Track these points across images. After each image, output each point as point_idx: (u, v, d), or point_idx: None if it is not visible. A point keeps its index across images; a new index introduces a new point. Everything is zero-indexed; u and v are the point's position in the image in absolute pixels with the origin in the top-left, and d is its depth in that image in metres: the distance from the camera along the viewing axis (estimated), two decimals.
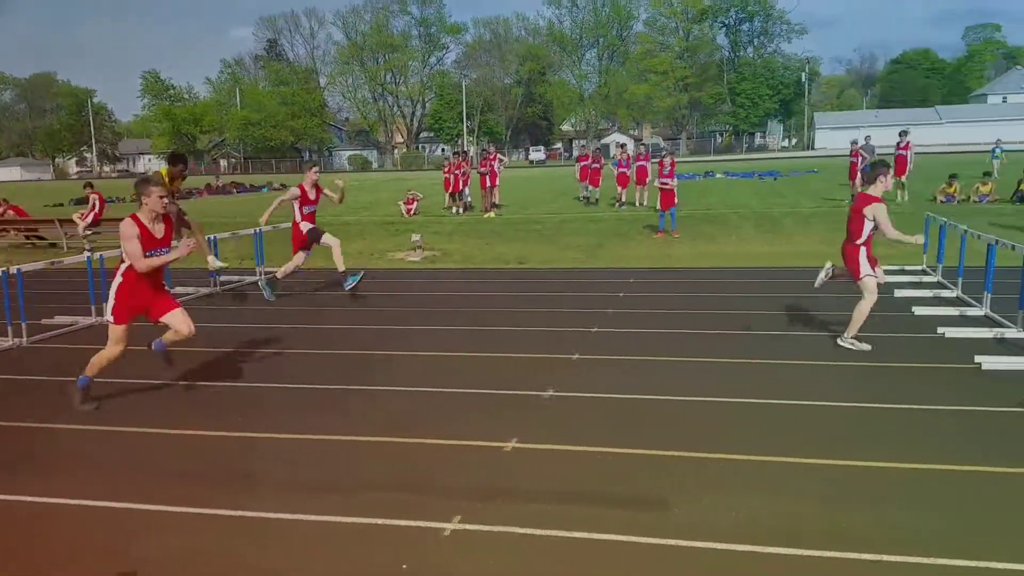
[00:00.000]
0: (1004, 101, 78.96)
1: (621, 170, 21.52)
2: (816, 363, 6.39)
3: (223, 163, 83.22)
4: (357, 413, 5.51)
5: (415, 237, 13.93)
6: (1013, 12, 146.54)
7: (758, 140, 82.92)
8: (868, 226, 6.59)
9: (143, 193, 5.42)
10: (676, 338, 7.41)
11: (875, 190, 6.65)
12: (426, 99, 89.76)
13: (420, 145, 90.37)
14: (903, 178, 19.60)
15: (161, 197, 5.43)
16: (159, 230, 5.50)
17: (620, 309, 8.72)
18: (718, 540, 3.57)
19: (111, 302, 5.48)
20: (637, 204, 21.55)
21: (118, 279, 5.50)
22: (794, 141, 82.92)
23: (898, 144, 19.99)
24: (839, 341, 6.78)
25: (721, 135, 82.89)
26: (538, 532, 3.69)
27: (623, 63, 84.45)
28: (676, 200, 15.07)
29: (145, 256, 5.36)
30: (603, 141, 68.74)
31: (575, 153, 76.17)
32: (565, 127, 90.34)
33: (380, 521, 3.83)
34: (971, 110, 77.77)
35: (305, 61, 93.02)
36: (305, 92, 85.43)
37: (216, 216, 22.49)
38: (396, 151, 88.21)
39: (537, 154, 77.72)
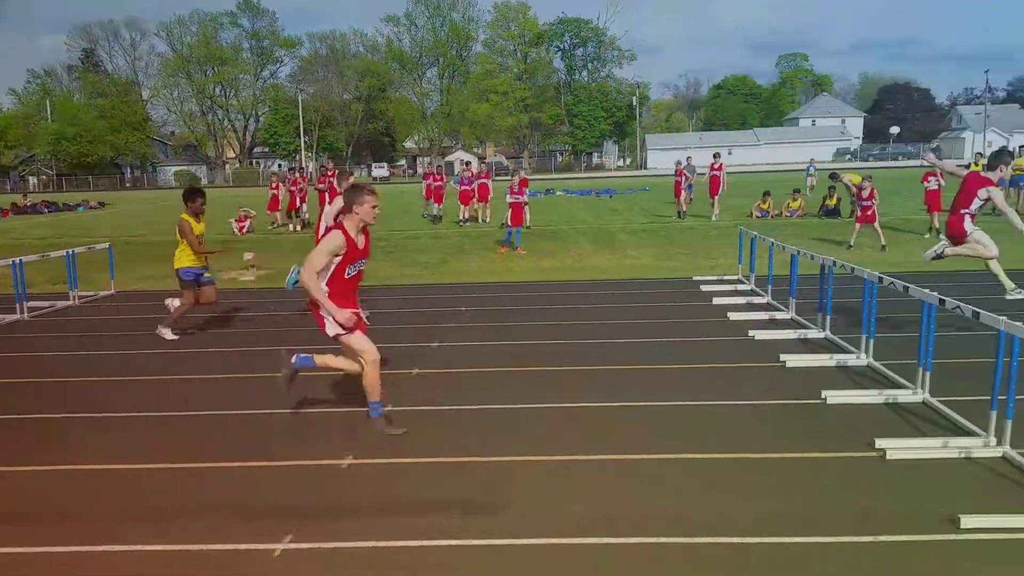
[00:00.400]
0: (813, 124, 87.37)
1: (464, 187, 21.76)
2: (639, 367, 6.77)
3: (32, 180, 75.76)
4: (186, 437, 5.23)
5: (248, 256, 13.41)
6: (819, 43, 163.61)
7: (595, 159, 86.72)
8: (976, 203, 7.73)
9: (355, 202, 5.03)
10: (514, 350, 7.60)
11: (994, 175, 7.77)
12: (260, 113, 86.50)
13: (254, 160, 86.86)
14: (716, 197, 21.19)
15: (374, 207, 5.10)
16: (361, 241, 5.10)
17: (462, 324, 8.83)
18: (549, 536, 3.72)
19: (333, 317, 4.93)
20: (480, 220, 21.89)
21: (324, 290, 4.94)
22: (628, 161, 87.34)
23: (712, 165, 21.56)
24: (1007, 296, 7.87)
25: (561, 154, 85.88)
26: (374, 544, 3.69)
27: (464, 82, 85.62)
28: (527, 218, 15.40)
29: (347, 268, 4.99)
30: (447, 159, 69.19)
31: (420, 171, 76.46)
32: (408, 144, 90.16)
33: (206, 547, 3.68)
34: (785, 132, 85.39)
35: (126, 72, 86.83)
36: (126, 105, 79.46)
37: (23, 237, 20.50)
38: (228, 166, 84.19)
39: (380, 171, 76.83)
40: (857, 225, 14.62)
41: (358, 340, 5.05)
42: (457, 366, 6.99)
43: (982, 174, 7.91)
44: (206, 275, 8.44)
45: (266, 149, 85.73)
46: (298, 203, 21.78)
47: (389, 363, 7.00)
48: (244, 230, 21.11)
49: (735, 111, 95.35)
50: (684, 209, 22.04)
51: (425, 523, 3.89)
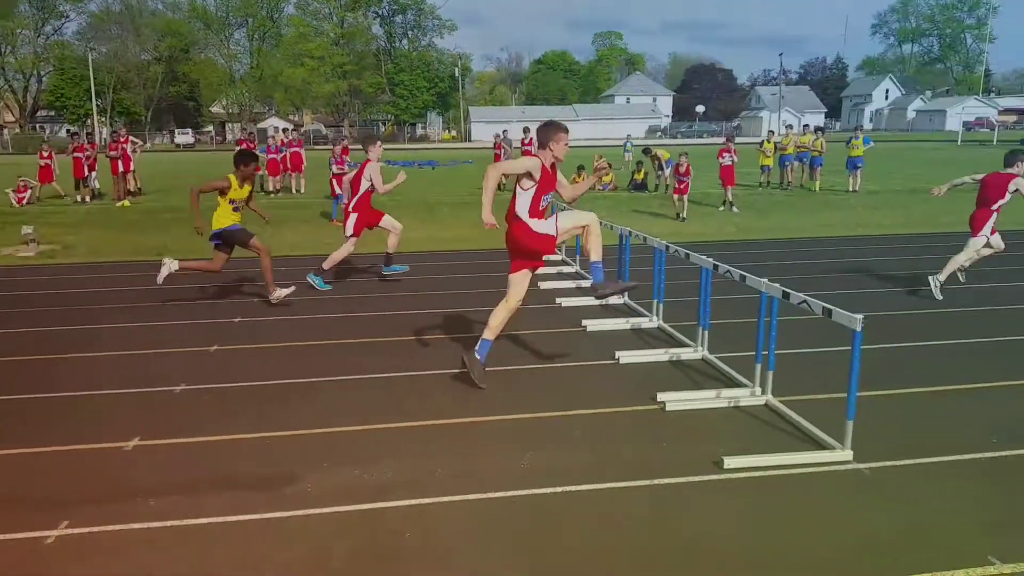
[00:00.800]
0: (628, 101, 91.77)
1: (271, 156, 20.79)
2: (450, 337, 6.89)
3: None
4: None
5: (27, 229, 12.10)
6: (632, 22, 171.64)
7: (420, 131, 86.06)
8: (1006, 199, 8.09)
9: (551, 139, 5.31)
10: (321, 323, 7.46)
11: (1017, 170, 8.10)
12: (43, 73, 77.56)
13: (38, 125, 77.94)
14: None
15: (567, 144, 5.39)
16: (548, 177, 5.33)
17: (265, 297, 8.51)
18: (350, 503, 3.73)
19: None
20: (294, 191, 21.11)
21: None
22: (453, 133, 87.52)
23: (523, 140, 21.86)
24: (930, 279, 8.26)
25: (384, 124, 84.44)
26: (160, 525, 3.53)
27: (276, 45, 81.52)
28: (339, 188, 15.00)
29: (542, 199, 5.30)
30: (259, 125, 65.68)
31: (230, 137, 71.99)
32: (216, 109, 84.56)
33: None
34: (603, 109, 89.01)
35: None
36: None
37: None
38: (6, 131, 74.97)
39: (184, 137, 71.48)
40: (675, 197, 15.66)
41: (520, 279, 5.53)
42: (260, 341, 6.75)
43: (1003, 172, 8.27)
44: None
45: (52, 113, 77.13)
46: (86, 171, 19.75)
47: (186, 341, 6.66)
48: (23, 201, 18.97)
49: (555, 86, 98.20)
50: (504, 182, 22.45)
51: (217, 501, 3.77)
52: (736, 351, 5.90)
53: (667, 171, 21.21)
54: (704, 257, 5.92)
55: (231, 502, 3.77)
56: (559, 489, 3.92)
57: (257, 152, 21.09)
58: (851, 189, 20.72)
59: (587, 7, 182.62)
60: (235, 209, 7.87)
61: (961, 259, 8.46)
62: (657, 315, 7.14)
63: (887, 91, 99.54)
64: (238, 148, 7.33)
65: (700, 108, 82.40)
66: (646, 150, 22.51)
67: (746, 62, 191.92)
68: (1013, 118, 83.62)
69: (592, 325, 7.14)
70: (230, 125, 79.77)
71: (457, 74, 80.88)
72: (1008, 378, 5.54)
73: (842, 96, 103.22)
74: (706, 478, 4.04)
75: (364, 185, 8.99)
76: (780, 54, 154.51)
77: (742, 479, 4.04)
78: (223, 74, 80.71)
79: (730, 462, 4.14)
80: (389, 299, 8.45)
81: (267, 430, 4.67)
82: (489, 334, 5.49)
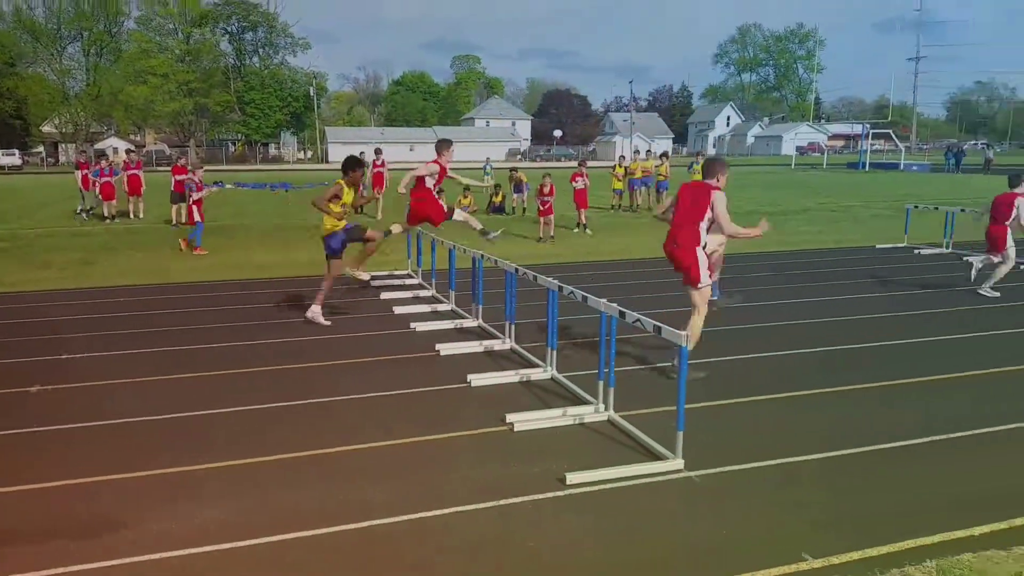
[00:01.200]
0: (488, 125, 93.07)
1: (105, 179, 19.44)
2: (303, 366, 6.72)
3: None
4: None
5: None
6: (490, 47, 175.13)
7: (272, 151, 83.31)
8: (1012, 213, 9.56)
9: (723, 172, 6.27)
10: (159, 357, 7.07)
11: (1022, 189, 9.65)
12: None
13: None
14: (379, 192, 20.55)
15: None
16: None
17: (98, 332, 7.98)
18: (184, 547, 3.56)
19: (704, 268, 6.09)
20: (132, 216, 19.88)
21: (701, 251, 6.10)
22: (309, 154, 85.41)
23: (374, 162, 21.26)
24: (979, 290, 9.54)
25: (233, 144, 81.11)
26: None
27: (115, 61, 76.57)
28: (199, 215, 14.14)
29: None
30: (97, 146, 61.22)
31: (64, 159, 66.64)
32: (48, 128, 78.08)
33: None
34: (463, 131, 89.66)
35: None
36: None
37: None
38: None
39: (11, 159, 65.38)
40: (541, 219, 15.99)
41: (703, 295, 6.18)
42: (87, 379, 6.30)
43: (1009, 192, 9.79)
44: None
45: None
46: None
47: (1, 382, 6.11)
48: None
49: (415, 108, 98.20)
50: (363, 204, 22.09)
51: (36, 551, 3.48)
52: (585, 369, 6.13)
53: (525, 193, 21.74)
54: (550, 279, 6.12)
55: (51, 552, 3.49)
56: (406, 517, 3.92)
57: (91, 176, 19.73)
58: None
59: (445, 29, 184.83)
60: (340, 217, 8.30)
61: (1004, 270, 9.69)
62: (510, 337, 7.29)
63: (728, 118, 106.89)
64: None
65: (558, 132, 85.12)
66: (513, 170, 23.07)
67: (600, 89, 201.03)
68: (841, 143, 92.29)
69: (445, 349, 7.18)
70: (63, 146, 73.98)
71: (312, 93, 79.19)
72: (828, 386, 6.07)
73: (688, 122, 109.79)
74: (551, 495, 4.17)
75: (429, 183, 9.43)
76: (630, 81, 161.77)
77: (584, 494, 4.20)
78: (55, 91, 74.66)
79: (573, 478, 4.30)
80: (232, 331, 8.12)
81: (90, 475, 4.37)
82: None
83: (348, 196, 8.35)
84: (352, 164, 8.51)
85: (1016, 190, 9.85)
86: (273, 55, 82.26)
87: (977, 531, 3.74)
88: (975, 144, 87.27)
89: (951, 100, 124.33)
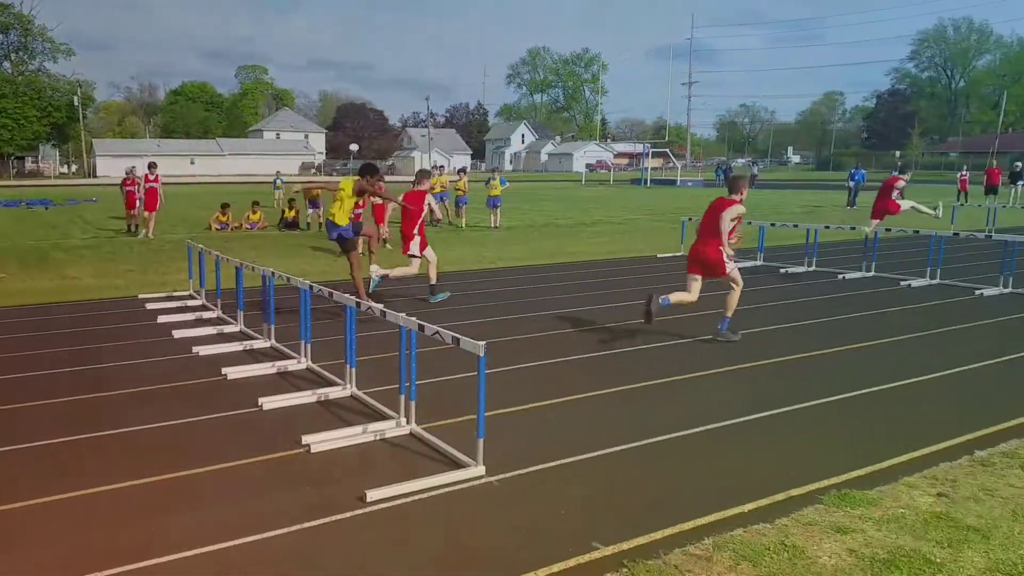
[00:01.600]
0: (278, 137, 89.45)
1: None
2: (77, 398, 6.04)
3: None
4: None
5: None
6: (278, 57, 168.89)
7: (30, 165, 74.50)
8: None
9: (744, 187, 8.06)
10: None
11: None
12: None
13: None
14: (152, 214, 19.21)
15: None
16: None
17: None
18: None
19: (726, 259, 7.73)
20: None
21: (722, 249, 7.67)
22: (75, 168, 77.39)
23: (146, 176, 19.28)
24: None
25: None
26: None
27: None
28: None
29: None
30: None
31: None
32: None
33: None
34: (250, 144, 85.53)
35: None
36: None
37: None
38: None
39: None
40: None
41: (734, 275, 7.89)
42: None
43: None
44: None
45: None
46: None
47: None
48: None
49: (196, 119, 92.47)
50: (137, 223, 20.34)
51: None
52: (387, 384, 6.03)
53: (320, 209, 21.13)
54: (347, 296, 5.97)
55: None
56: (202, 550, 3.63)
57: None
58: (492, 226, 22.61)
59: (227, 39, 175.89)
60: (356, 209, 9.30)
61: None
62: (306, 356, 7.01)
63: (523, 135, 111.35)
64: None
65: (354, 146, 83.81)
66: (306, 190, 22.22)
67: (396, 104, 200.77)
68: (626, 160, 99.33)
69: (233, 373, 6.76)
70: None
71: (77, 103, 71.87)
72: (615, 385, 6.45)
73: (485, 139, 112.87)
74: (349, 515, 4.04)
75: (426, 211, 10.15)
76: (427, 97, 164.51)
77: (385, 509, 4.12)
78: None
79: (373, 495, 4.20)
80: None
81: None
82: (729, 314, 8.07)
83: (345, 195, 9.00)
84: (371, 170, 9.40)
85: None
86: (29, 61, 73.91)
87: (748, 507, 4.12)
88: (742, 161, 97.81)
89: (720, 121, 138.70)
